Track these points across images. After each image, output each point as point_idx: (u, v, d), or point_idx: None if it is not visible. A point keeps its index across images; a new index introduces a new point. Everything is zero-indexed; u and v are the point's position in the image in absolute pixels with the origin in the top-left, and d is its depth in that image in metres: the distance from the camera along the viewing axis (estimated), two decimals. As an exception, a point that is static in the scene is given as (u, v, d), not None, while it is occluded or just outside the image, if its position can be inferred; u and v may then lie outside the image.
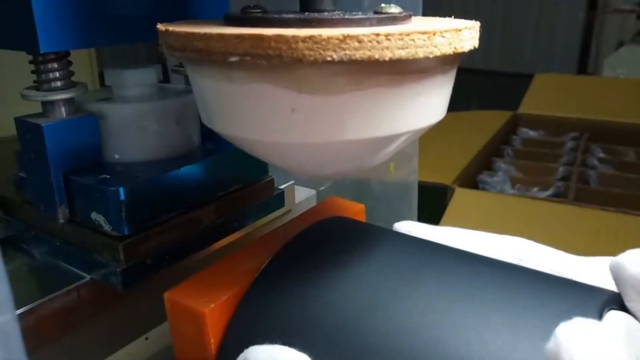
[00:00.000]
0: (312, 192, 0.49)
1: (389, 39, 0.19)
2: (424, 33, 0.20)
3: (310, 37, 0.19)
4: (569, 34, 3.37)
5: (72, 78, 0.30)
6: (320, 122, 0.21)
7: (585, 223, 1.03)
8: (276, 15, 0.22)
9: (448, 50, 0.21)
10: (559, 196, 1.26)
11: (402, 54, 0.20)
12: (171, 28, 0.22)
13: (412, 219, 0.31)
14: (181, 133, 0.33)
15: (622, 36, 3.09)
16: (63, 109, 0.30)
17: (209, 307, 0.24)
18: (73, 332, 0.30)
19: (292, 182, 0.42)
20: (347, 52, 0.19)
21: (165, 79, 0.39)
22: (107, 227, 0.28)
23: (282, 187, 0.40)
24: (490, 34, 3.52)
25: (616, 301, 0.22)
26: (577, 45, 3.36)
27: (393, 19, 0.23)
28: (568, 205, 1.13)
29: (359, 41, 0.19)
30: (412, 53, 0.20)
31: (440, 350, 0.20)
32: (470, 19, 0.23)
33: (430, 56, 0.20)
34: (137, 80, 0.33)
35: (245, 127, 0.23)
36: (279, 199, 0.39)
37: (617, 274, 0.22)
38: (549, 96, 1.79)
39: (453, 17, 0.24)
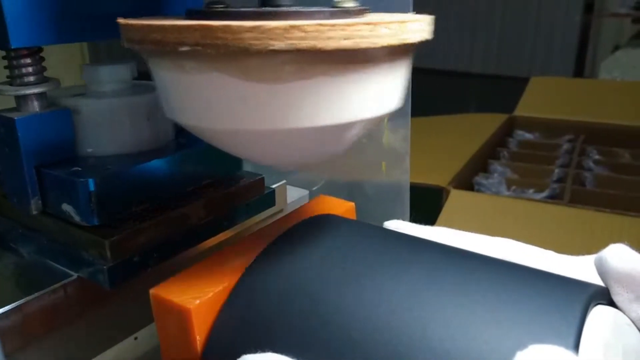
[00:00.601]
0: (305, 192, 0.49)
1: (333, 30, 0.20)
2: (367, 24, 0.21)
3: (256, 27, 0.20)
4: (566, 38, 3.38)
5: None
6: (269, 110, 0.22)
7: (580, 224, 1.03)
8: (233, 9, 0.23)
9: (393, 41, 0.22)
10: (554, 198, 1.26)
11: (346, 44, 0.20)
12: (130, 21, 0.23)
13: (404, 219, 0.31)
14: (153, 127, 0.34)
15: (618, 40, 3.11)
16: (36, 103, 0.30)
17: (194, 303, 0.24)
18: (60, 331, 0.30)
19: (284, 181, 0.42)
20: (292, 41, 0.20)
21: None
22: (77, 218, 0.29)
23: (274, 186, 0.40)
24: (488, 38, 3.53)
25: (604, 296, 0.22)
26: (574, 49, 3.37)
27: (346, 12, 0.23)
28: (563, 207, 1.13)
29: (304, 31, 0.20)
30: (355, 43, 0.21)
31: (426, 344, 0.20)
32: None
33: (374, 46, 0.21)
34: (111, 76, 0.34)
35: (200, 116, 0.23)
36: (269, 198, 0.39)
37: (601, 269, 0.22)
38: (545, 99, 1.80)
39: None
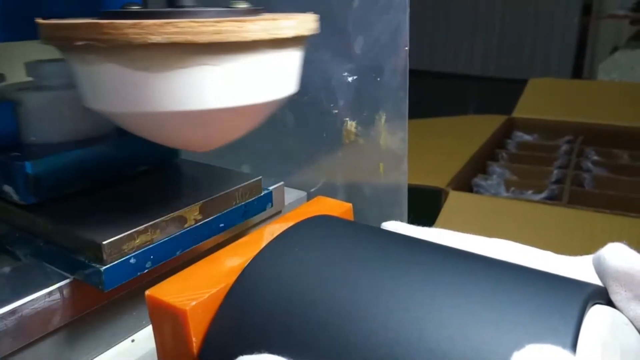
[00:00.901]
0: (303, 193, 0.49)
1: (204, 25, 0.24)
2: (235, 21, 0.24)
3: (136, 24, 0.23)
4: (565, 39, 3.39)
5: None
6: (157, 95, 0.25)
7: (579, 225, 1.02)
8: (137, 9, 0.26)
9: (264, 35, 0.25)
10: (553, 199, 1.26)
11: (216, 37, 0.24)
12: (41, 21, 0.26)
13: (402, 221, 0.31)
14: (93, 117, 0.36)
15: (617, 41, 3.11)
16: None
17: (190, 305, 0.23)
18: (56, 333, 0.29)
19: (282, 183, 0.42)
20: (167, 35, 0.23)
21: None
22: (15, 197, 0.32)
23: (271, 187, 0.40)
24: (488, 40, 3.54)
25: (602, 295, 0.22)
26: (572, 51, 3.38)
27: (233, 12, 0.27)
28: (562, 208, 1.13)
29: (177, 27, 0.23)
30: (225, 37, 0.24)
31: (423, 345, 0.20)
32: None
33: (244, 40, 0.25)
34: (52, 71, 0.36)
35: (105, 101, 0.27)
36: (266, 200, 0.39)
37: (599, 267, 0.22)
38: (544, 100, 1.80)
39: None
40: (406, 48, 0.43)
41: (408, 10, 0.42)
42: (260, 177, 0.38)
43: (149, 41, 0.23)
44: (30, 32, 0.32)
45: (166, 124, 0.27)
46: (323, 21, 0.30)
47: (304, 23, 0.27)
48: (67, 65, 0.28)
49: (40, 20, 0.26)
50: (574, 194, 1.24)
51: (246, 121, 0.29)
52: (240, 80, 0.26)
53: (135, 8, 0.27)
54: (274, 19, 0.26)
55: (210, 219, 0.34)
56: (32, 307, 0.28)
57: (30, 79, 0.38)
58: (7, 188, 0.33)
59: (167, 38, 0.23)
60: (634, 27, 3.04)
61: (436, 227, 0.30)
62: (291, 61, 0.29)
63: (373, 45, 0.44)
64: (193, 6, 0.27)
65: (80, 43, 0.24)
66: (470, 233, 0.30)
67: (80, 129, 0.37)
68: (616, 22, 3.21)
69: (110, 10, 0.27)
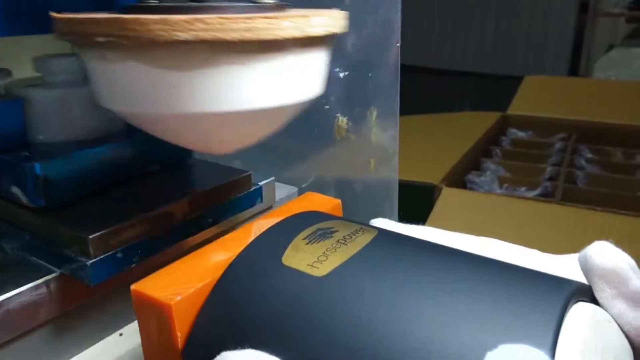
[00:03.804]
0: (294, 189, 0.49)
1: (235, 22, 0.22)
2: (268, 18, 0.23)
3: (162, 20, 0.22)
4: (561, 37, 3.40)
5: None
6: (180, 96, 0.24)
7: (572, 222, 1.03)
8: (158, 4, 0.25)
9: (296, 33, 0.24)
10: (546, 196, 1.27)
11: (247, 35, 0.22)
12: (58, 14, 0.25)
13: (392, 218, 0.31)
14: (102, 116, 0.36)
15: (613, 39, 3.12)
16: None
17: (175, 299, 0.23)
18: (44, 327, 0.29)
19: (273, 178, 0.42)
20: (195, 32, 0.22)
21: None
22: (24, 199, 0.31)
23: (261, 183, 0.40)
24: (483, 38, 3.54)
25: (586, 293, 0.22)
26: (568, 49, 3.38)
27: (261, 8, 0.25)
28: (555, 205, 1.14)
29: (206, 23, 0.22)
30: (256, 35, 0.23)
31: (406, 344, 0.20)
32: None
33: (276, 38, 0.23)
34: (61, 67, 0.35)
35: (122, 101, 0.26)
36: (256, 195, 0.39)
37: (585, 266, 0.22)
38: (538, 97, 1.80)
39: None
40: (398, 44, 0.43)
41: (400, 6, 0.42)
42: (249, 172, 0.38)
43: (176, 38, 0.22)
44: (37, 26, 0.31)
45: (188, 126, 0.26)
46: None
47: (335, 20, 0.26)
48: (81, 62, 0.27)
49: (55, 15, 0.25)
50: (567, 191, 1.24)
51: (269, 124, 0.28)
52: (270, 81, 0.25)
53: (153, 3, 0.25)
54: (305, 16, 0.24)
55: (198, 214, 0.34)
56: (19, 301, 0.28)
57: (37, 74, 0.37)
58: (16, 190, 0.31)
59: (195, 35, 0.22)
60: (630, 25, 3.04)
61: (429, 223, 0.30)
62: (322, 59, 0.28)
63: (364, 41, 0.44)
64: (218, 1, 0.26)
65: (101, 39, 0.23)
66: (463, 229, 0.30)
67: (90, 127, 0.36)
68: (612, 20, 3.21)
69: (129, 4, 0.25)
